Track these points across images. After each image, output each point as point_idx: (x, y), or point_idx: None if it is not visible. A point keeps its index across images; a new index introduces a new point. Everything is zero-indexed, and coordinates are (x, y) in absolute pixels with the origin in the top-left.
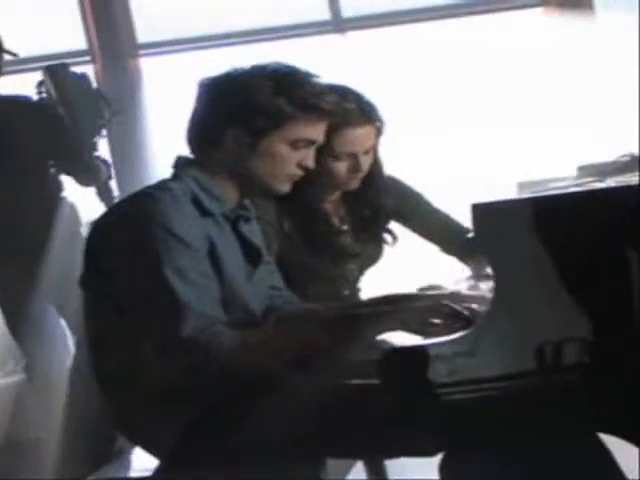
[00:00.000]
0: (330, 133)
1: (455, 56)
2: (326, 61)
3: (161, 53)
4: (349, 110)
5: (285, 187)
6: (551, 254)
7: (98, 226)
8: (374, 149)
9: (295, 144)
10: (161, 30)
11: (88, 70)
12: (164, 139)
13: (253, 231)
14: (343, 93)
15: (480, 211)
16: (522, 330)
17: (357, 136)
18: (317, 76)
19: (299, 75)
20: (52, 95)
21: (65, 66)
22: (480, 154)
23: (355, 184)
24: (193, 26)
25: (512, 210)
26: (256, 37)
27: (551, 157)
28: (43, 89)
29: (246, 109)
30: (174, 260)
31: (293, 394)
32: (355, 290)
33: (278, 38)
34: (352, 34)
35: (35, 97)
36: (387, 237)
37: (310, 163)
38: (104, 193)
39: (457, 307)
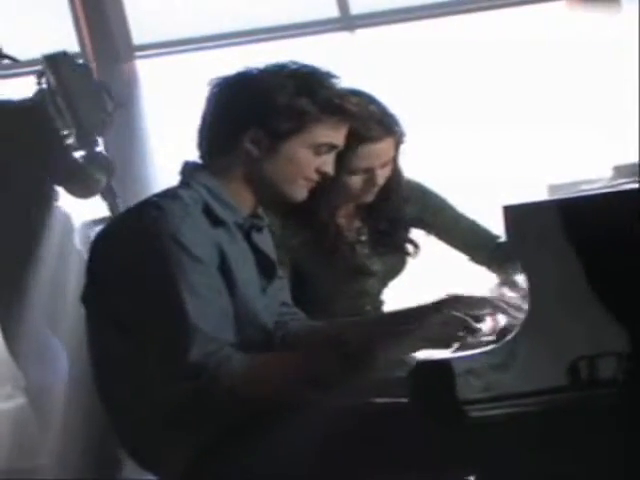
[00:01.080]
0: (347, 149)
1: (473, 52)
2: (335, 60)
3: (159, 55)
4: (372, 114)
5: (302, 194)
6: (586, 259)
7: (101, 239)
8: (393, 160)
9: (317, 149)
10: (158, 31)
11: None
12: (163, 143)
13: (266, 242)
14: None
15: (512, 213)
16: (557, 341)
17: (376, 150)
18: (338, 77)
19: (321, 74)
20: (52, 86)
21: (66, 55)
22: (507, 156)
23: (370, 197)
24: (194, 26)
25: (546, 211)
26: (260, 36)
27: (583, 158)
28: (43, 80)
29: (266, 110)
30: (186, 277)
31: (308, 418)
32: (378, 304)
33: (283, 37)
34: (361, 32)
35: (29, 94)
36: (409, 247)
37: (330, 169)
38: (107, 193)
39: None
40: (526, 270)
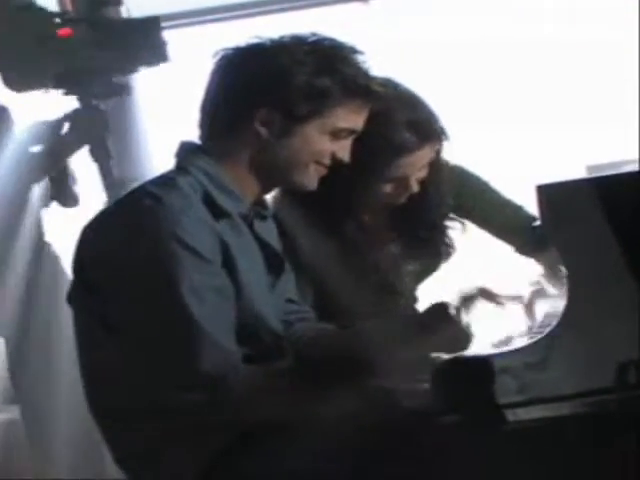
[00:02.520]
0: (380, 159)
1: (473, 51)
2: (349, 34)
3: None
4: (410, 121)
5: (314, 182)
6: (626, 241)
7: (90, 233)
8: (431, 163)
9: (335, 133)
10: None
11: None
12: (159, 123)
13: (271, 232)
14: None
15: (546, 193)
16: (599, 336)
17: (413, 160)
18: (363, 52)
19: (345, 50)
20: None
21: None
22: (545, 137)
23: (401, 200)
24: None
25: (584, 191)
26: (267, 7)
27: (621, 140)
28: None
29: (282, 89)
30: (189, 277)
31: (322, 430)
32: (411, 301)
33: (289, 9)
34: (377, 2)
35: None
36: (446, 249)
37: (346, 156)
38: (98, 150)
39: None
40: (563, 255)
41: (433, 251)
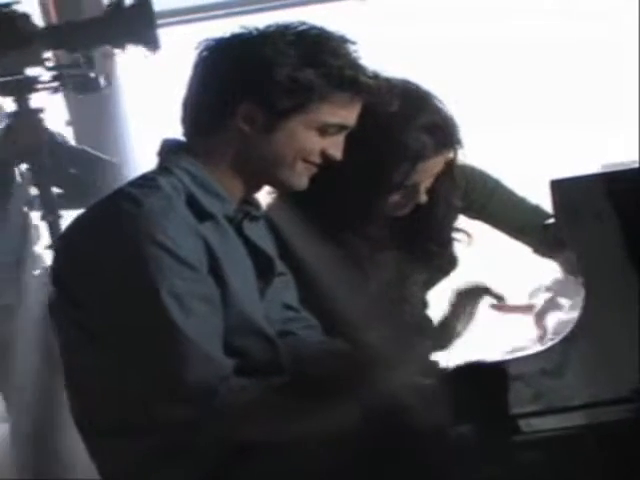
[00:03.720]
0: (391, 165)
1: (474, 50)
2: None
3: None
4: (426, 125)
5: (303, 182)
6: None
7: (67, 240)
8: (443, 171)
9: (323, 129)
10: None
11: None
12: (143, 123)
13: (261, 234)
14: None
15: (561, 188)
16: (618, 340)
17: (428, 167)
18: (353, 42)
19: (331, 39)
20: None
21: None
22: (559, 137)
23: (406, 211)
24: None
25: (600, 185)
26: (258, 6)
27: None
28: None
29: (263, 82)
30: (171, 284)
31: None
32: (419, 310)
33: (285, 6)
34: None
35: None
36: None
37: (337, 153)
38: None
39: None
40: (578, 253)
41: (436, 265)
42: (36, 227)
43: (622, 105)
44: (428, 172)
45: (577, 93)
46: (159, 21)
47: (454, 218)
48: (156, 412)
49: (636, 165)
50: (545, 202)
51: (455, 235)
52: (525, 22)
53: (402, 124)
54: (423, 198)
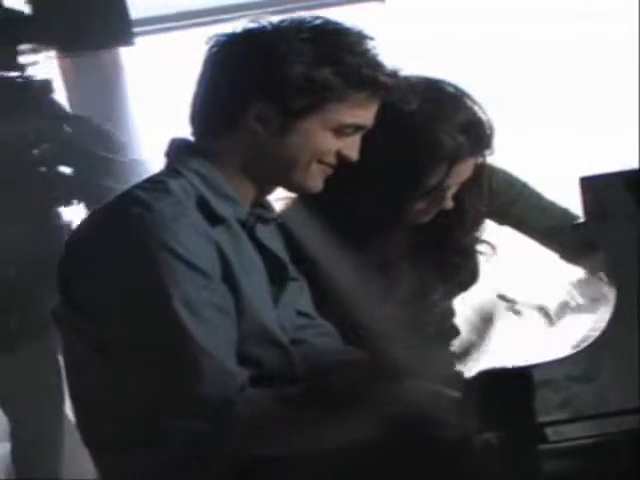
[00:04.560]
0: (422, 166)
1: (475, 50)
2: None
3: (146, 32)
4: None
5: (317, 184)
6: None
7: (74, 246)
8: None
9: (339, 130)
10: (146, 4)
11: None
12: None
13: (274, 238)
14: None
15: (590, 186)
16: None
17: (461, 170)
18: (372, 37)
19: (349, 35)
20: None
21: None
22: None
23: (429, 217)
24: None
25: (630, 183)
26: (275, 8)
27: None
28: None
29: (276, 81)
30: (183, 291)
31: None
32: (444, 322)
33: (305, 8)
34: (393, 1)
35: None
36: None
37: (353, 154)
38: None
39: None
40: (610, 255)
41: (456, 278)
42: None
43: (622, 106)
44: (460, 176)
45: (579, 93)
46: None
47: (480, 228)
48: (171, 426)
49: None
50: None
51: (479, 247)
52: (530, 23)
53: (438, 122)
54: (449, 204)
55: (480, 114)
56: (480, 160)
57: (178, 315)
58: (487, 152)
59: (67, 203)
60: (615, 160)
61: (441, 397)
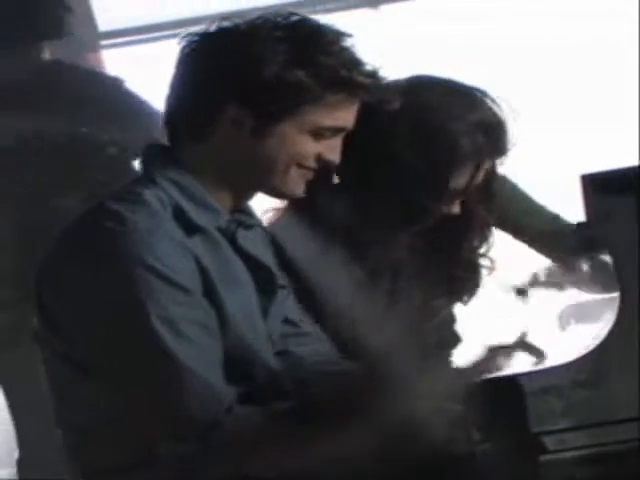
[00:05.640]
0: (441, 168)
1: (476, 50)
2: (358, 41)
3: (132, 43)
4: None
5: (298, 189)
6: None
7: (49, 264)
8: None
9: (318, 132)
10: (129, 14)
11: None
12: None
13: (258, 244)
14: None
15: (591, 184)
16: None
17: (477, 173)
18: (350, 35)
19: (324, 35)
20: None
21: None
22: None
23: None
24: (175, 6)
25: (631, 180)
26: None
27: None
28: None
29: (250, 83)
30: (162, 309)
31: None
32: (444, 335)
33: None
34: (387, 8)
35: None
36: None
37: (334, 157)
38: None
39: None
40: (612, 253)
41: (456, 292)
42: None
43: (622, 106)
44: (476, 179)
45: (579, 93)
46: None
47: (488, 242)
48: (156, 448)
49: None
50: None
51: (481, 262)
52: (530, 23)
53: (450, 118)
54: (455, 209)
55: (498, 114)
56: (490, 166)
57: (158, 334)
58: (504, 157)
59: None
60: (616, 160)
61: (444, 412)
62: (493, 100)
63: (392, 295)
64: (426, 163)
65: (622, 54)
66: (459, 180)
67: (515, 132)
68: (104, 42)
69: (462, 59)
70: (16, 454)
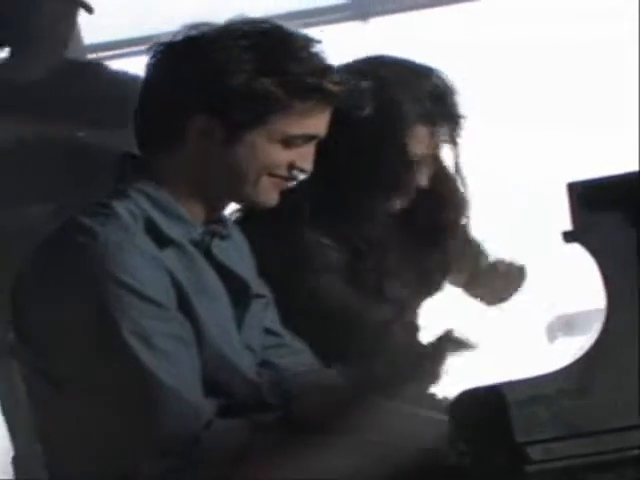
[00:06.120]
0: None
1: (476, 49)
2: (345, 53)
3: (117, 56)
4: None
5: (271, 198)
6: None
7: (22, 279)
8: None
9: (288, 141)
10: (117, 26)
11: None
12: None
13: (235, 253)
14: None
15: (578, 191)
16: None
17: (431, 141)
18: (319, 41)
19: (294, 41)
20: None
21: None
22: (505, 154)
23: (402, 204)
24: (164, 19)
25: (619, 189)
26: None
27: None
28: None
29: (217, 92)
30: (135, 324)
31: None
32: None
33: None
34: (376, 21)
35: None
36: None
37: (307, 165)
38: None
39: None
40: (599, 261)
41: (426, 285)
42: None
43: (622, 106)
44: (431, 147)
45: (579, 94)
46: None
47: (462, 214)
48: (134, 466)
49: None
50: (550, 206)
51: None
52: (530, 23)
53: (402, 91)
54: (423, 181)
55: (447, 85)
56: (449, 137)
57: (131, 347)
58: (457, 127)
59: None
60: (615, 160)
61: (431, 423)
62: (440, 74)
63: (377, 280)
64: (385, 131)
65: (622, 54)
66: (417, 145)
67: (463, 104)
68: (89, 55)
69: (462, 58)
70: (11, 453)
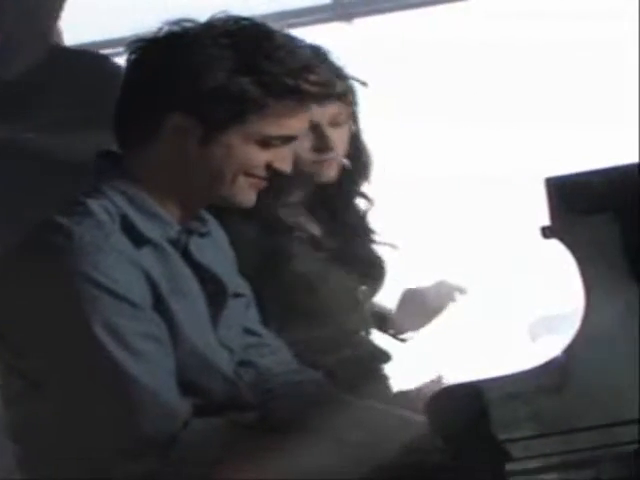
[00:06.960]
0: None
1: (476, 49)
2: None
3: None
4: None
5: (248, 198)
6: None
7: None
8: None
9: (265, 142)
10: (101, 26)
11: None
12: None
13: (210, 251)
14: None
15: (556, 186)
16: (627, 351)
17: (320, 114)
18: (300, 41)
19: (273, 40)
20: None
21: None
22: (504, 153)
23: (330, 173)
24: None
25: (597, 184)
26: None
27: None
28: None
29: (194, 90)
30: (105, 319)
31: None
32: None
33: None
34: (360, 21)
35: None
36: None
37: (285, 166)
38: None
39: None
40: (576, 257)
41: (360, 266)
42: None
43: (622, 106)
44: (325, 117)
45: (579, 94)
46: None
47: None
48: (112, 467)
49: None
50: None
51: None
52: (530, 23)
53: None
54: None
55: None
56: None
57: (106, 349)
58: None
59: None
60: (615, 160)
61: (407, 422)
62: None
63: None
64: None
65: (622, 54)
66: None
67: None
68: None
69: (462, 58)
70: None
